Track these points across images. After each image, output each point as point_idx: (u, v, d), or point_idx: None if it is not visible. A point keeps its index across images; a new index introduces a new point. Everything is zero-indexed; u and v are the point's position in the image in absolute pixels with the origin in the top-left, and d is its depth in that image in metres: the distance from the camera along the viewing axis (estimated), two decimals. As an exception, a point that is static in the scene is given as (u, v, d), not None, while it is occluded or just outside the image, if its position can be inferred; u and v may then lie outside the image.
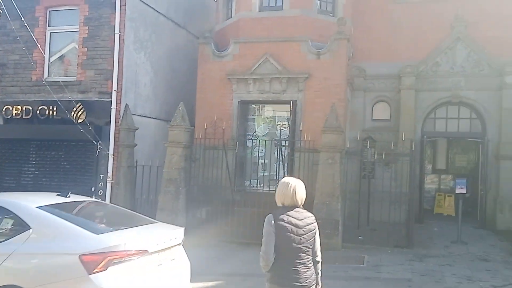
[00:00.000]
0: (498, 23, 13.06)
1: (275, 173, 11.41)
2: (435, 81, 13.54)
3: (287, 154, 11.68)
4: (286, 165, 11.34)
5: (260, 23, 12.50)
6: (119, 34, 11.73)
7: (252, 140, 12.00)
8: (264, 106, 12.69)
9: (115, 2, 11.75)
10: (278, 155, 11.08)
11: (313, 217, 3.96)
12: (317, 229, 3.95)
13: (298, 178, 4.09)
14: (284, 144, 11.55)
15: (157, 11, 13.32)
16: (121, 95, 11.76)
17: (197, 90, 12.69)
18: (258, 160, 12.33)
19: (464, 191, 11.10)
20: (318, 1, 12.71)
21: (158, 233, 5.48)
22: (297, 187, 3.90)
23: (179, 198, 10.75)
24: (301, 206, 3.93)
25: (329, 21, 12.54)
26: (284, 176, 11.01)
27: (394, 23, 13.87)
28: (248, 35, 12.49)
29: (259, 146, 11.85)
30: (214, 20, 14.43)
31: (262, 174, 12.10)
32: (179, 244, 5.60)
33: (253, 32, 12.48)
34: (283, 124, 12.29)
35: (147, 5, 12.82)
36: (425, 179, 14.97)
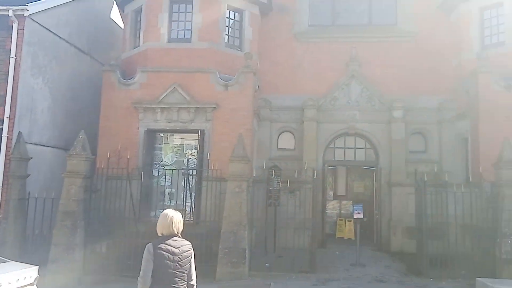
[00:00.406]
0: (387, 63, 14.55)
1: (182, 202, 11.31)
2: (334, 114, 14.56)
3: (195, 183, 11.68)
4: (193, 194, 11.32)
5: (168, 54, 12.60)
6: (15, 59, 11.16)
7: (159, 169, 11.84)
8: (172, 135, 12.66)
9: (12, 26, 11.15)
10: (185, 184, 11.04)
11: (190, 245, 4.43)
12: (192, 255, 4.45)
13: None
14: (191, 173, 11.55)
15: (58, 36, 12.83)
16: (13, 122, 11.05)
17: (101, 118, 12.31)
18: (165, 189, 12.17)
19: (361, 215, 11.94)
20: (226, 36, 13.19)
21: (4, 274, 5.15)
22: (174, 217, 4.42)
23: (77, 232, 10.04)
24: (179, 235, 4.42)
25: (236, 55, 13.03)
26: (191, 206, 11.02)
27: (297, 59, 14.85)
28: (156, 65, 12.50)
29: (165, 175, 11.71)
30: (121, 48, 14.24)
31: (169, 204, 11.93)
32: (31, 284, 5.32)
33: (161, 62, 12.52)
34: (191, 153, 12.34)
35: (48, 29, 12.32)
36: (327, 205, 15.84)
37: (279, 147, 14.70)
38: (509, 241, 9.74)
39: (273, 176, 12.62)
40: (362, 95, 14.61)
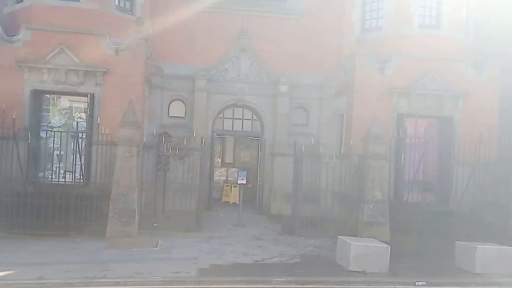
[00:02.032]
0: (276, 39, 15.40)
1: (72, 165, 11.25)
2: (224, 86, 15.23)
3: (85, 146, 11.63)
4: (83, 156, 11.30)
5: (55, 12, 12.14)
6: None
7: (47, 130, 11.54)
8: (60, 97, 12.30)
9: None
10: (74, 147, 10.98)
11: None
12: None
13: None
14: (81, 136, 11.48)
15: None
16: None
17: (-18, 76, 11.52)
18: (54, 151, 11.92)
19: (244, 181, 12.97)
20: (117, -3, 12.94)
21: None
22: None
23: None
24: None
25: (127, 19, 12.95)
26: (81, 168, 11.04)
27: (189, 28, 14.99)
28: (42, 23, 11.94)
29: (54, 137, 11.47)
30: (3, 1, 13.21)
31: (58, 166, 11.78)
32: None
33: (47, 20, 12.00)
34: (80, 117, 12.16)
35: None
36: (215, 172, 16.70)
37: (170, 115, 15.04)
38: (371, 206, 11.24)
39: (163, 142, 13.00)
40: (252, 68, 15.43)
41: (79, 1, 12.31)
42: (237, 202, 14.72)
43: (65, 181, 10.75)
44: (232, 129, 15.81)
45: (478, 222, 11.20)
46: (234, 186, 17.37)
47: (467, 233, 10.20)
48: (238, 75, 15.37)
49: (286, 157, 14.68)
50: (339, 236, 9.39)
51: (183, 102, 15.12)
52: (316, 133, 15.39)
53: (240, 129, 15.83)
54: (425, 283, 8.19)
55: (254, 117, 15.72)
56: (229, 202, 17.20)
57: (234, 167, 18.82)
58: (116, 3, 12.91)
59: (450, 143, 13.24)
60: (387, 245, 8.76)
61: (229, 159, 19.24)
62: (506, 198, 10.89)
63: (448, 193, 12.73)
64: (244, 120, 15.71)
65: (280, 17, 15.60)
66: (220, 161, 18.97)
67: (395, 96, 13.45)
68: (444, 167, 13.30)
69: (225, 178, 18.84)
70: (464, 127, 13.18)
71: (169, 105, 15.05)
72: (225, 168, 19.06)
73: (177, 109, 15.11)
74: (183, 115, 15.10)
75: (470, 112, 13.28)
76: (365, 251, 8.62)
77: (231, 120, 15.66)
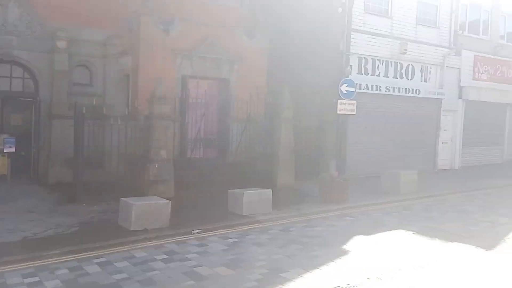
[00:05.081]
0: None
1: None
2: (-15, 37, 13.07)
3: None
4: None
5: None
6: None
7: None
8: None
9: None
10: None
11: None
12: None
13: None
14: None
15: None
16: None
17: None
18: None
19: (13, 149, 11.57)
20: None
21: None
22: None
23: None
24: None
25: None
26: None
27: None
28: None
29: None
30: None
31: None
32: None
33: None
34: None
35: None
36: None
37: None
38: (156, 165, 11.41)
39: None
40: (22, 19, 13.52)
41: None
42: (6, 173, 13.08)
43: None
44: (-1, 88, 13.79)
45: (251, 171, 12.66)
46: (2, 156, 15.30)
47: (241, 182, 11.40)
48: (4, 26, 13.33)
49: (66, 120, 13.39)
50: (121, 198, 9.22)
51: None
52: (102, 93, 14.58)
53: (8, 89, 13.90)
54: (200, 230, 8.88)
55: (26, 75, 14.02)
56: (-2, 174, 15.07)
57: (2, 133, 16.53)
58: None
59: (227, 102, 14.48)
60: (168, 201, 9.04)
61: (-4, 124, 16.74)
62: (272, 148, 12.56)
63: (226, 148, 14.02)
64: (12, 79, 13.84)
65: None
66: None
67: (179, 58, 13.82)
68: (223, 125, 14.51)
69: (-7, 146, 16.39)
70: (239, 88, 14.54)
71: None
72: (-7, 136, 16.54)
73: None
74: None
75: (244, 75, 14.68)
76: (146, 209, 8.74)
77: (-5, 78, 13.62)
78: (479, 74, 20.48)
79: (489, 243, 8.33)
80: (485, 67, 20.69)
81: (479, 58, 20.37)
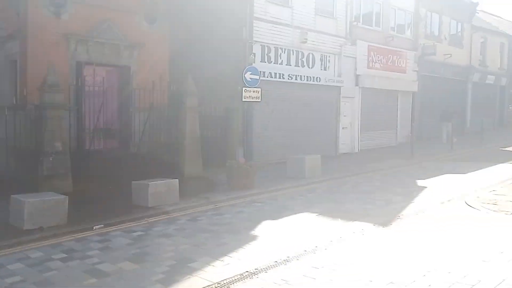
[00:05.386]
0: None
1: None
2: None
3: None
4: None
5: None
6: None
7: None
8: None
9: None
10: None
11: None
12: None
13: None
14: None
15: None
16: None
17: None
18: None
19: None
20: None
21: None
22: None
23: None
24: None
25: None
26: None
27: None
28: None
29: None
30: None
31: None
32: None
33: None
34: None
35: None
36: None
37: None
38: (51, 159, 10.59)
39: None
40: None
41: None
42: None
43: None
44: None
45: (155, 162, 12.25)
46: None
47: (146, 173, 10.97)
48: None
49: None
50: (12, 195, 8.45)
51: None
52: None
53: None
54: (102, 225, 8.43)
55: None
56: None
57: None
58: None
59: (128, 90, 13.82)
60: (65, 196, 8.47)
61: None
62: (177, 137, 12.23)
63: (129, 138, 13.43)
64: None
65: None
66: None
67: (73, 43, 12.92)
68: (124, 114, 13.86)
69: None
70: (140, 75, 13.98)
71: None
72: None
73: None
74: None
75: (145, 61, 14.14)
76: (40, 206, 8.09)
77: None
78: (373, 63, 21.86)
79: (386, 220, 8.88)
80: (378, 57, 22.12)
81: (373, 48, 21.72)
